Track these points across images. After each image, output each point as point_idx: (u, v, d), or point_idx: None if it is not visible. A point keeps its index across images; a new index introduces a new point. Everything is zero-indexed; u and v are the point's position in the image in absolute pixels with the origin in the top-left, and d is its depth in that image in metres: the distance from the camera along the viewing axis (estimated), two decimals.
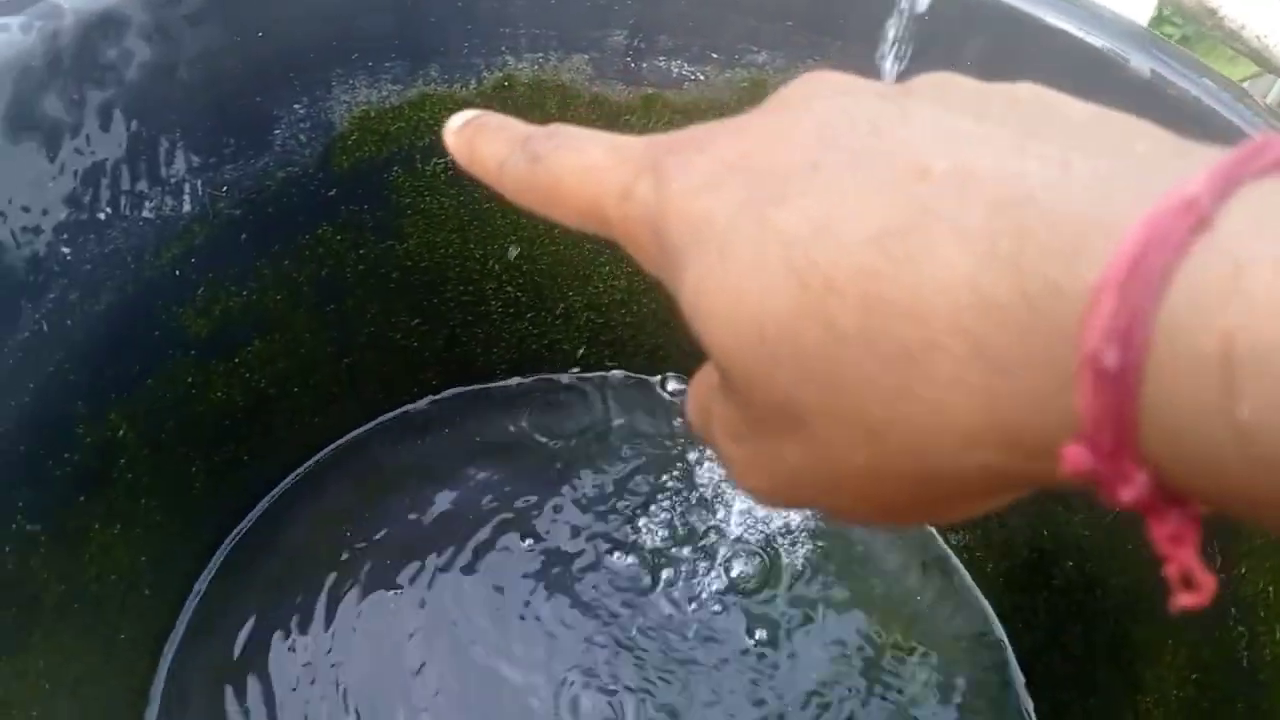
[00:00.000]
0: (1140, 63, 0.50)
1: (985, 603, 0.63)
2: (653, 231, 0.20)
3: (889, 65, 0.49)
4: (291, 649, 0.56)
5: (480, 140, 0.25)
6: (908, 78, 0.20)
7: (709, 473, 0.65)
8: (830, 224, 0.17)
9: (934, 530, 0.66)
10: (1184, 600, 0.15)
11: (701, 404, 0.24)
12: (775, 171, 0.18)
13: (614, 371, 0.72)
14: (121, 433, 0.49)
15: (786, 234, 0.17)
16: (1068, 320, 0.14)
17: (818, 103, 0.19)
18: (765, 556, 0.62)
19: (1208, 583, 0.15)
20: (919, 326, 0.16)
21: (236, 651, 0.55)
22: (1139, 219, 0.14)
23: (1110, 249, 0.14)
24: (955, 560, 0.65)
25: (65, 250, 0.44)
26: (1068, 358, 0.14)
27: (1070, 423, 0.15)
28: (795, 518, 0.62)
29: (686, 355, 0.72)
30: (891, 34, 0.46)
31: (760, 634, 0.59)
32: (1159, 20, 1.46)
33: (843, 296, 0.16)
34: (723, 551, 0.62)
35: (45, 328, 0.43)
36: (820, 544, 0.63)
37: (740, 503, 0.62)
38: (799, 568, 0.62)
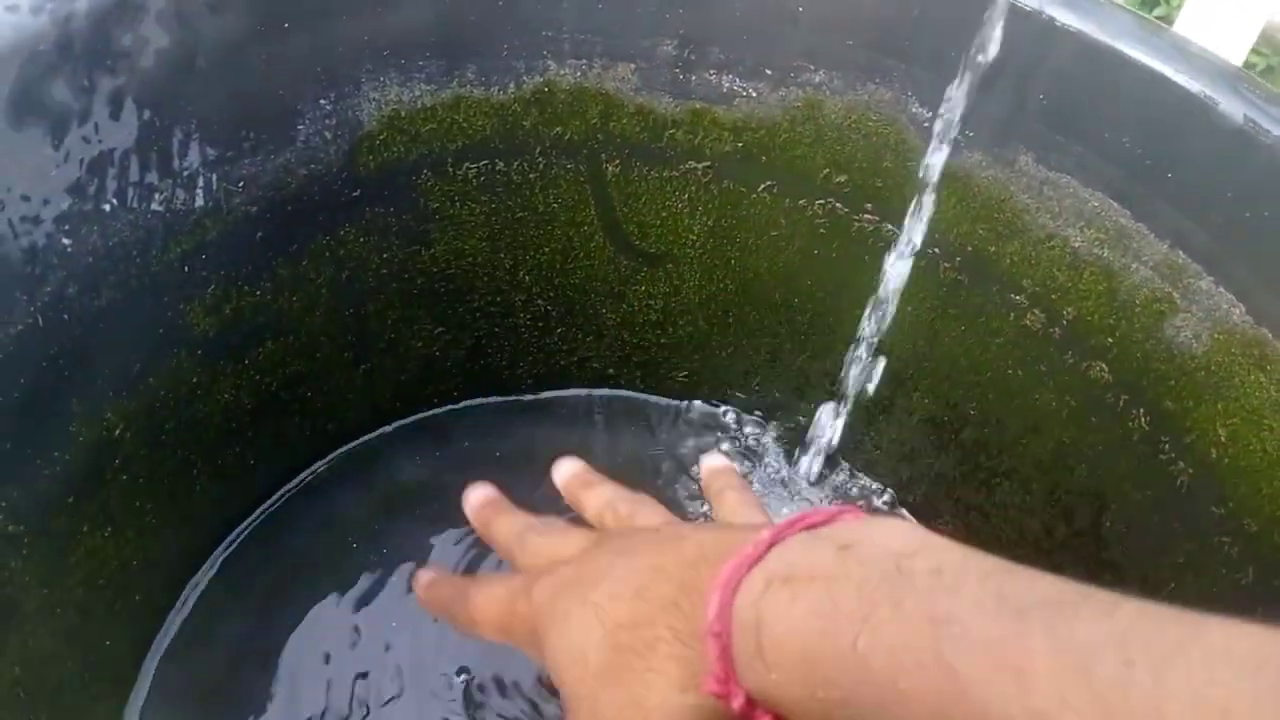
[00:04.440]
0: (1232, 107, 0.46)
1: None
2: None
3: (957, 97, 0.46)
4: (283, 666, 0.53)
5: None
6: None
7: None
8: (616, 591, 0.32)
9: None
10: None
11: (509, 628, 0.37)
12: (586, 578, 0.34)
13: (645, 394, 0.69)
14: (118, 432, 0.47)
15: (596, 603, 0.32)
16: (702, 619, 0.29)
17: (613, 540, 0.36)
18: None
19: None
20: (653, 629, 0.31)
21: (226, 664, 0.53)
22: (726, 571, 0.29)
23: (714, 591, 0.29)
24: None
25: (66, 242, 0.42)
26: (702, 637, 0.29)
27: (710, 668, 0.29)
28: None
29: (722, 383, 0.69)
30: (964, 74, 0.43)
31: None
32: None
33: (621, 625, 0.31)
34: None
35: (40, 321, 0.41)
36: None
37: None
38: None
